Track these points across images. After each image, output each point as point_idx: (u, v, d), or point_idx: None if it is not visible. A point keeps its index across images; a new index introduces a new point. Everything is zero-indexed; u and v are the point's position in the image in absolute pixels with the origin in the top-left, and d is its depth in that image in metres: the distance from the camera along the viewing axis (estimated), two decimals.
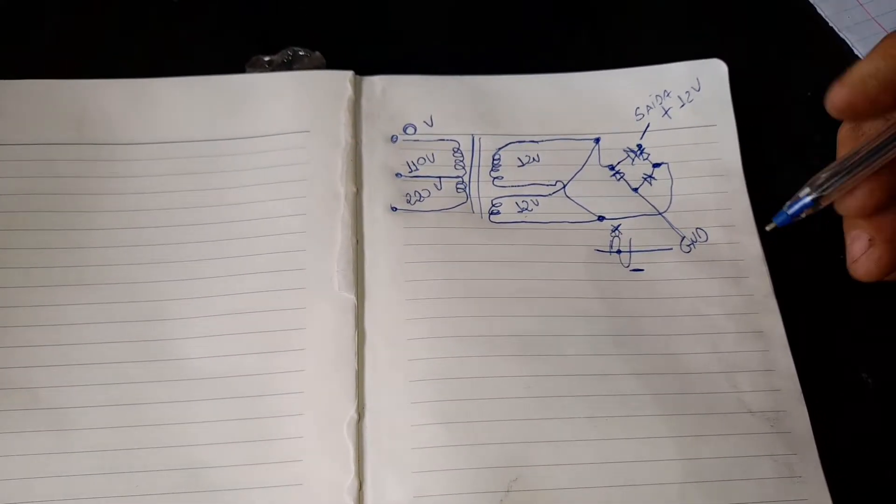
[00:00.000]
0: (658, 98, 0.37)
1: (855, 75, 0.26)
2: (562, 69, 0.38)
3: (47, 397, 0.30)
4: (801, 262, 0.34)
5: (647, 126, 0.36)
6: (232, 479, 0.28)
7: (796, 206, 0.26)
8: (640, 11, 0.41)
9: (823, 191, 0.25)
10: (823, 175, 0.26)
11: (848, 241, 0.28)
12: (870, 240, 0.27)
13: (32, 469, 0.28)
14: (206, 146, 0.35)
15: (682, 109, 0.37)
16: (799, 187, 0.26)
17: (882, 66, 0.25)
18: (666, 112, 0.37)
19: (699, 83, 0.37)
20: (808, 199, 0.26)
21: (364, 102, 0.36)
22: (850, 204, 0.26)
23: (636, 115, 0.37)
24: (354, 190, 0.34)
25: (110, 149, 0.35)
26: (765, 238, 0.34)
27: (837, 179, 0.25)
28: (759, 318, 0.32)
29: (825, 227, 0.34)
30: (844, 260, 0.34)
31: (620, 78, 0.37)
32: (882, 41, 0.26)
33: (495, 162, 0.36)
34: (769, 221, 0.32)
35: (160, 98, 0.36)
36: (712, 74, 0.37)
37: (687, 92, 0.37)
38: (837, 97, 0.26)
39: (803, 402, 0.31)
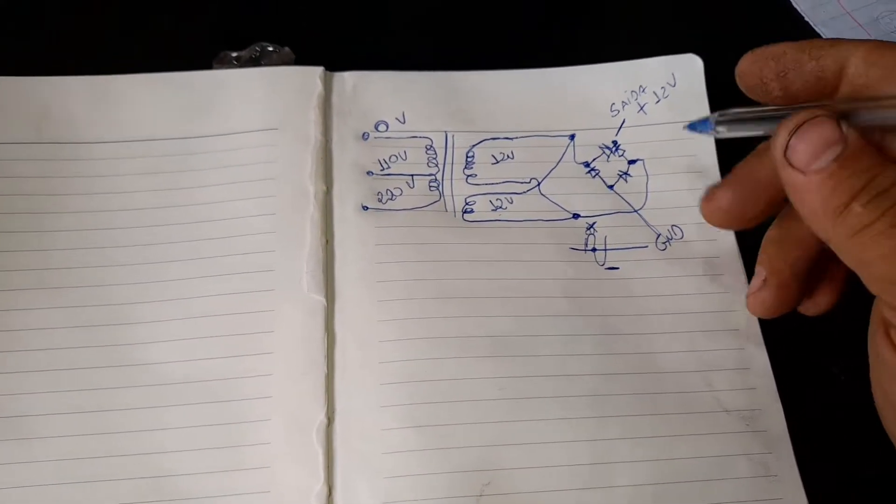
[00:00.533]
0: (633, 94, 0.37)
1: (765, 50, 0.27)
2: (536, 65, 0.37)
3: (7, 405, 0.29)
4: None
5: (623, 122, 0.36)
6: (198, 487, 0.28)
7: (698, 123, 0.28)
8: (616, 6, 0.41)
9: (721, 118, 0.27)
10: (733, 111, 0.27)
11: (755, 272, 0.30)
12: (764, 280, 0.29)
13: None
14: (173, 144, 0.34)
15: (658, 105, 0.36)
16: None
17: (788, 53, 0.26)
18: (641, 108, 0.36)
19: (675, 78, 0.37)
20: (710, 122, 0.28)
21: (335, 99, 0.35)
22: (706, 209, 0.29)
23: (611, 110, 0.36)
24: (324, 189, 0.33)
25: (73, 148, 0.34)
26: (740, 236, 0.34)
27: (742, 121, 0.27)
28: (735, 315, 0.32)
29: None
30: None
31: (595, 73, 0.37)
32: (813, 39, 0.27)
33: (469, 159, 0.35)
34: None
35: (125, 95, 0.35)
36: (688, 70, 0.37)
37: (662, 87, 0.37)
38: (743, 61, 0.27)
39: (778, 400, 0.30)
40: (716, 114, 0.28)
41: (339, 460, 0.28)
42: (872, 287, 0.24)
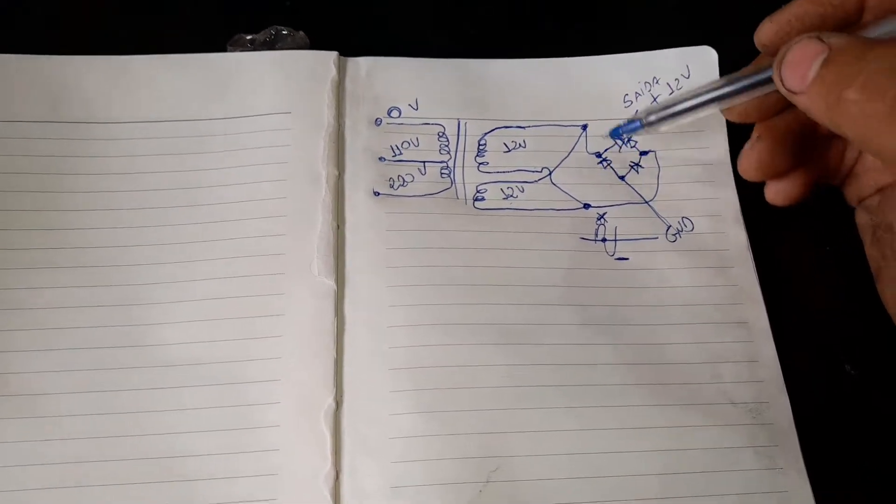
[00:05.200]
0: (647, 85, 0.36)
1: (784, 14, 0.28)
2: (550, 54, 0.37)
3: (19, 383, 0.29)
4: (786, 252, 0.34)
5: (636, 113, 0.36)
6: (207, 468, 0.28)
7: (629, 128, 0.32)
8: (629, 3, 0.41)
9: (650, 125, 0.32)
10: (653, 117, 0.31)
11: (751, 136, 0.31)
12: (758, 136, 0.30)
13: (2, 457, 0.28)
14: (186, 126, 0.34)
15: (673, 97, 0.36)
16: None
17: (810, 11, 0.28)
18: (654, 99, 0.36)
19: (689, 70, 0.36)
20: (637, 125, 0.32)
21: (348, 84, 0.35)
22: (741, 166, 0.31)
23: (624, 101, 0.36)
24: (336, 173, 0.33)
25: (88, 127, 0.34)
26: (750, 228, 0.33)
27: (664, 120, 0.31)
28: (744, 308, 0.32)
29: (810, 219, 0.34)
30: (831, 252, 0.34)
31: (609, 64, 0.37)
32: None
33: (481, 147, 0.35)
34: (756, 212, 0.33)
35: (139, 76, 0.35)
36: (702, 62, 0.37)
37: (676, 79, 0.36)
38: (763, 31, 0.29)
39: (785, 394, 0.30)
40: (645, 114, 0.31)
41: (346, 444, 0.29)
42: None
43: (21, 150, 0.33)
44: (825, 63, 0.24)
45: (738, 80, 0.29)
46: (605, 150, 0.35)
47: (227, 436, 0.28)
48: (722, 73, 0.36)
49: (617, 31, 0.39)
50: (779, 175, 0.31)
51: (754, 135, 0.31)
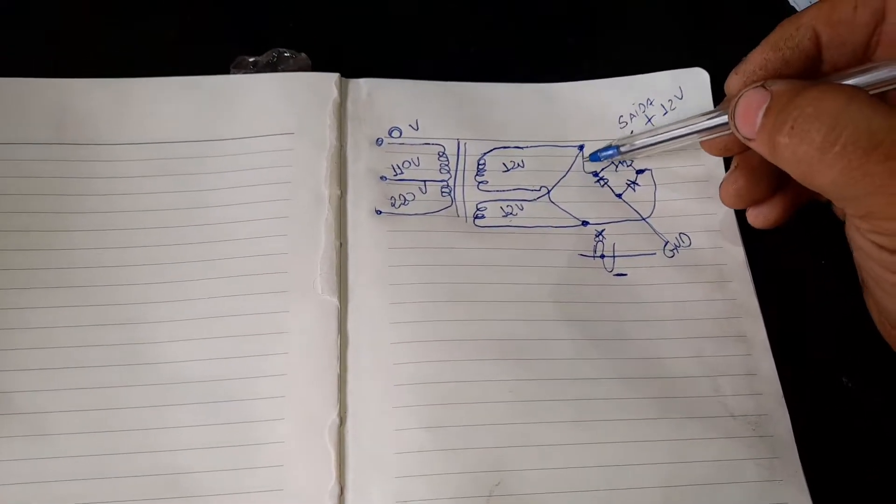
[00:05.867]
0: (641, 106, 0.37)
1: (748, 65, 0.29)
2: (547, 78, 0.38)
3: (24, 402, 0.29)
4: (783, 266, 0.34)
5: (631, 133, 0.37)
6: (211, 485, 0.28)
7: (606, 153, 0.35)
8: (624, 21, 0.42)
9: (626, 152, 0.35)
10: (638, 142, 0.34)
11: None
12: (736, 166, 0.32)
13: (8, 475, 0.28)
14: (190, 147, 0.35)
15: (665, 117, 0.37)
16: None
17: (771, 58, 0.29)
18: (649, 120, 0.37)
19: (682, 91, 0.37)
20: (613, 151, 0.35)
21: (349, 105, 0.36)
22: (722, 193, 0.32)
23: (619, 122, 0.37)
24: (339, 193, 0.34)
25: (92, 149, 0.34)
26: (747, 243, 0.34)
27: (641, 149, 0.34)
28: (742, 322, 0.32)
29: (806, 233, 0.34)
30: (827, 265, 0.34)
31: (604, 87, 0.38)
32: (774, 31, 0.29)
33: (480, 167, 0.36)
34: (752, 227, 0.33)
35: (144, 98, 0.35)
36: (694, 83, 0.37)
37: (670, 100, 0.37)
38: (731, 83, 0.30)
39: (785, 406, 0.31)
40: (618, 144, 0.34)
41: (351, 460, 0.29)
42: (838, 204, 0.27)
43: (25, 172, 0.33)
44: (766, 111, 0.25)
45: (707, 120, 0.31)
46: (602, 170, 0.36)
47: (231, 452, 0.29)
48: (714, 93, 0.37)
49: (610, 51, 0.40)
50: (757, 202, 0.32)
51: (733, 165, 0.32)
